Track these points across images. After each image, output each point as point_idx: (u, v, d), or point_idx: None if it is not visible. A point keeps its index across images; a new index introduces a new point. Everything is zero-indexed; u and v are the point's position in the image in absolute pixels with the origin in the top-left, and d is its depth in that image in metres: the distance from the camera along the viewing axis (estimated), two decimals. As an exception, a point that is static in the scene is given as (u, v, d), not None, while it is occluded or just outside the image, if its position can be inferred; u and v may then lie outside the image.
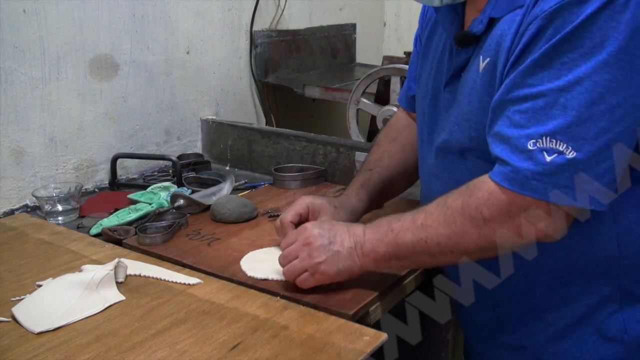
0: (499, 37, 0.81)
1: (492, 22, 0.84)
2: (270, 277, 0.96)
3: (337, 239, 0.89)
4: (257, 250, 1.06)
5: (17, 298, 0.91)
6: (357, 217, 1.08)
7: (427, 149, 0.99)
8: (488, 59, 0.83)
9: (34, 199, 1.29)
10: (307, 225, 0.92)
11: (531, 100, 0.74)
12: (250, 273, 0.97)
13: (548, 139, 0.72)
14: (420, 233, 0.83)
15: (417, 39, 1.13)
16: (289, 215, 1.01)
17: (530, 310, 0.91)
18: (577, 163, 0.72)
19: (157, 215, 1.20)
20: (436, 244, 0.82)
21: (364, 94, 1.66)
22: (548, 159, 0.72)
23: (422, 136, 1.02)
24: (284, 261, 0.92)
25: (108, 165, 1.50)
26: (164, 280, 0.97)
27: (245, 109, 1.95)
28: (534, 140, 0.73)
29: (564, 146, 0.72)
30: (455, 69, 0.91)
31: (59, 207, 1.27)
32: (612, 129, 0.72)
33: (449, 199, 0.82)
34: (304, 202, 1.03)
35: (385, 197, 1.15)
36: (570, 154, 0.72)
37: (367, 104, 1.66)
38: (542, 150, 0.73)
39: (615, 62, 0.70)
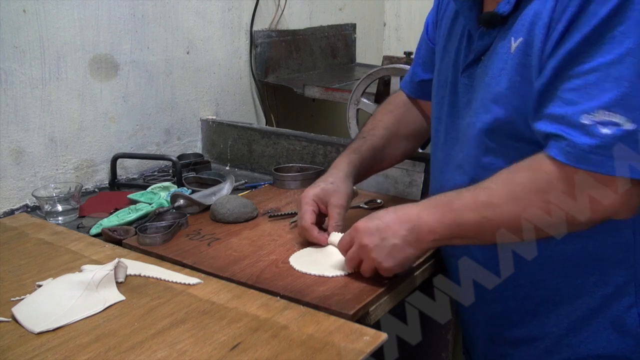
0: (533, 17, 0.81)
1: (519, 3, 0.84)
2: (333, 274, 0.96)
3: (388, 233, 0.87)
4: (302, 251, 1.05)
5: (17, 298, 0.91)
6: (353, 179, 1.08)
7: (446, 136, 0.98)
8: (521, 39, 0.82)
9: (34, 199, 1.29)
10: (358, 226, 0.91)
11: (583, 77, 0.74)
12: (313, 272, 0.97)
13: (603, 112, 0.72)
14: (484, 211, 0.81)
15: (429, 25, 1.13)
16: (306, 219, 1.02)
17: (543, 302, 0.91)
18: (635, 134, 0.71)
19: (157, 215, 1.20)
20: (502, 222, 0.80)
21: (364, 94, 1.65)
22: (605, 131, 0.71)
23: (439, 125, 1.01)
24: (350, 266, 0.93)
25: (108, 165, 1.50)
26: (164, 280, 0.97)
27: (245, 109, 1.95)
28: (588, 115, 0.72)
29: (621, 118, 0.71)
30: (476, 52, 0.91)
31: (59, 207, 1.27)
32: None
33: (512, 175, 0.79)
34: (308, 198, 1.04)
35: (377, 164, 1.15)
36: (628, 125, 0.71)
37: (367, 104, 1.66)
38: (598, 123, 0.72)
39: None
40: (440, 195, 0.87)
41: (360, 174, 1.11)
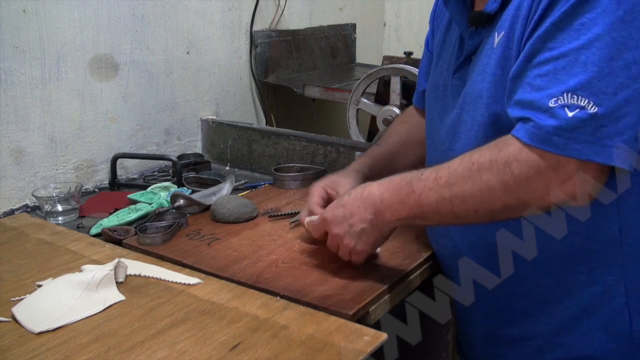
0: (515, 9, 0.82)
1: (506, 1, 0.85)
2: None
3: (355, 219, 0.91)
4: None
5: (17, 298, 0.91)
6: (363, 177, 1.11)
7: (436, 137, 1.00)
8: (503, 32, 0.84)
9: (34, 199, 1.29)
10: (326, 216, 0.95)
11: (552, 62, 0.75)
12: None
13: (569, 95, 0.72)
14: (444, 192, 0.81)
15: (428, 38, 1.17)
16: (313, 200, 1.06)
17: (534, 301, 0.91)
18: (599, 118, 0.72)
19: (157, 215, 1.20)
20: (461, 203, 0.81)
21: (364, 94, 1.65)
22: (570, 114, 0.72)
23: (431, 127, 1.03)
24: (332, 251, 0.98)
25: (108, 165, 1.50)
26: (164, 280, 0.97)
27: (245, 109, 1.95)
28: (555, 98, 0.73)
29: (586, 101, 0.72)
30: (467, 52, 0.92)
31: (59, 207, 1.27)
32: (630, 85, 0.72)
33: (475, 155, 0.80)
34: (317, 186, 1.09)
35: (388, 168, 1.16)
36: (592, 109, 0.72)
37: (367, 104, 1.66)
38: (563, 106, 0.73)
39: (631, 19, 0.72)
40: (403, 175, 0.88)
41: (370, 174, 1.13)
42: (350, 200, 0.92)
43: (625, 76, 0.72)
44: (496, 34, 0.85)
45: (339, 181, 1.09)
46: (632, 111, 0.72)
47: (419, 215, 0.86)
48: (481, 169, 0.79)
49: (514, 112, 0.78)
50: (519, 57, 0.79)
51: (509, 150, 0.77)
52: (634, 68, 0.72)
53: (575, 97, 0.72)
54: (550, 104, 0.73)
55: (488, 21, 0.88)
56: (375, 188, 0.90)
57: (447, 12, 0.99)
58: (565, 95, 0.73)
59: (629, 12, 0.72)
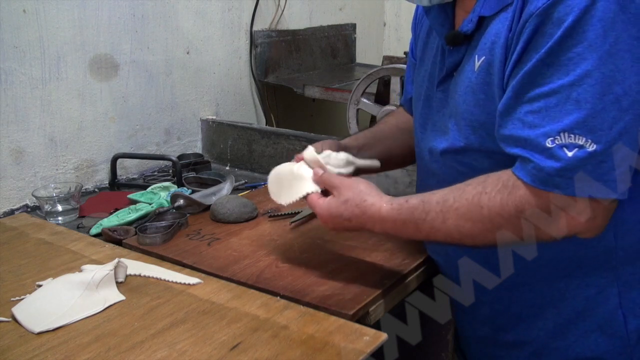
0: (494, 36, 0.82)
1: (482, 22, 0.85)
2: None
3: (349, 225, 0.89)
4: (276, 178, 1.05)
5: (17, 298, 0.91)
6: (340, 144, 1.09)
7: (422, 148, 1.00)
8: (483, 58, 0.83)
9: (34, 199, 1.30)
10: (322, 218, 0.92)
11: (543, 99, 0.74)
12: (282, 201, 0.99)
13: (566, 134, 0.72)
14: (453, 233, 0.82)
15: (412, 46, 1.15)
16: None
17: (528, 306, 0.92)
18: (598, 155, 0.72)
19: (157, 215, 1.20)
20: (470, 240, 0.81)
21: (364, 94, 1.65)
22: (569, 154, 0.72)
23: (417, 136, 1.03)
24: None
25: (108, 165, 1.50)
26: (164, 280, 0.97)
27: (245, 109, 1.95)
28: (551, 138, 0.73)
29: (583, 140, 0.71)
30: (447, 69, 0.92)
31: (59, 207, 1.27)
32: (622, 117, 0.72)
33: (484, 198, 0.79)
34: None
35: (374, 143, 1.15)
36: (591, 147, 0.71)
37: (367, 104, 1.66)
38: (561, 146, 0.72)
39: (616, 51, 0.71)
40: (406, 210, 0.85)
41: (352, 144, 1.11)
42: (346, 215, 0.88)
43: (616, 110, 0.72)
44: (476, 57, 0.85)
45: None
46: (625, 142, 0.72)
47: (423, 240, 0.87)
48: (492, 214, 0.78)
49: (508, 149, 0.78)
50: (507, 90, 0.78)
51: (519, 193, 0.76)
52: (624, 100, 0.72)
53: (573, 136, 0.72)
54: (547, 144, 0.73)
55: (466, 40, 0.87)
56: (378, 225, 0.87)
57: (427, 19, 0.98)
58: (562, 134, 0.72)
59: (614, 45, 0.71)
